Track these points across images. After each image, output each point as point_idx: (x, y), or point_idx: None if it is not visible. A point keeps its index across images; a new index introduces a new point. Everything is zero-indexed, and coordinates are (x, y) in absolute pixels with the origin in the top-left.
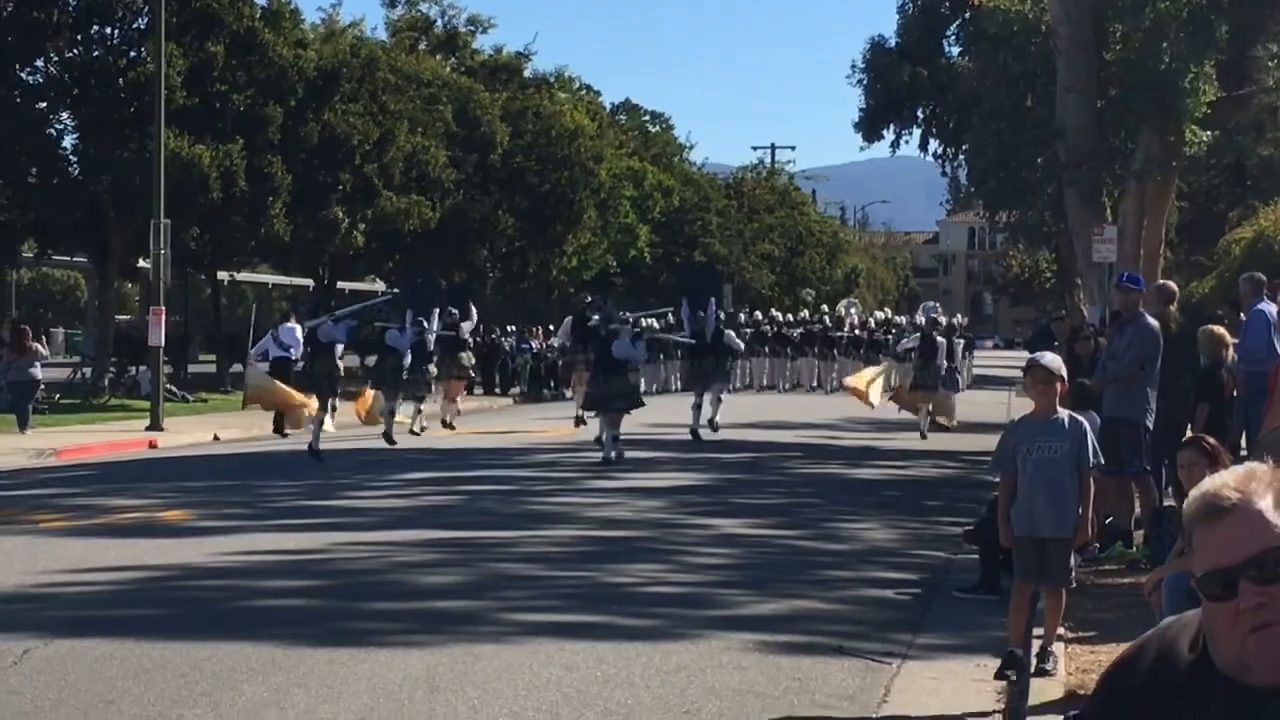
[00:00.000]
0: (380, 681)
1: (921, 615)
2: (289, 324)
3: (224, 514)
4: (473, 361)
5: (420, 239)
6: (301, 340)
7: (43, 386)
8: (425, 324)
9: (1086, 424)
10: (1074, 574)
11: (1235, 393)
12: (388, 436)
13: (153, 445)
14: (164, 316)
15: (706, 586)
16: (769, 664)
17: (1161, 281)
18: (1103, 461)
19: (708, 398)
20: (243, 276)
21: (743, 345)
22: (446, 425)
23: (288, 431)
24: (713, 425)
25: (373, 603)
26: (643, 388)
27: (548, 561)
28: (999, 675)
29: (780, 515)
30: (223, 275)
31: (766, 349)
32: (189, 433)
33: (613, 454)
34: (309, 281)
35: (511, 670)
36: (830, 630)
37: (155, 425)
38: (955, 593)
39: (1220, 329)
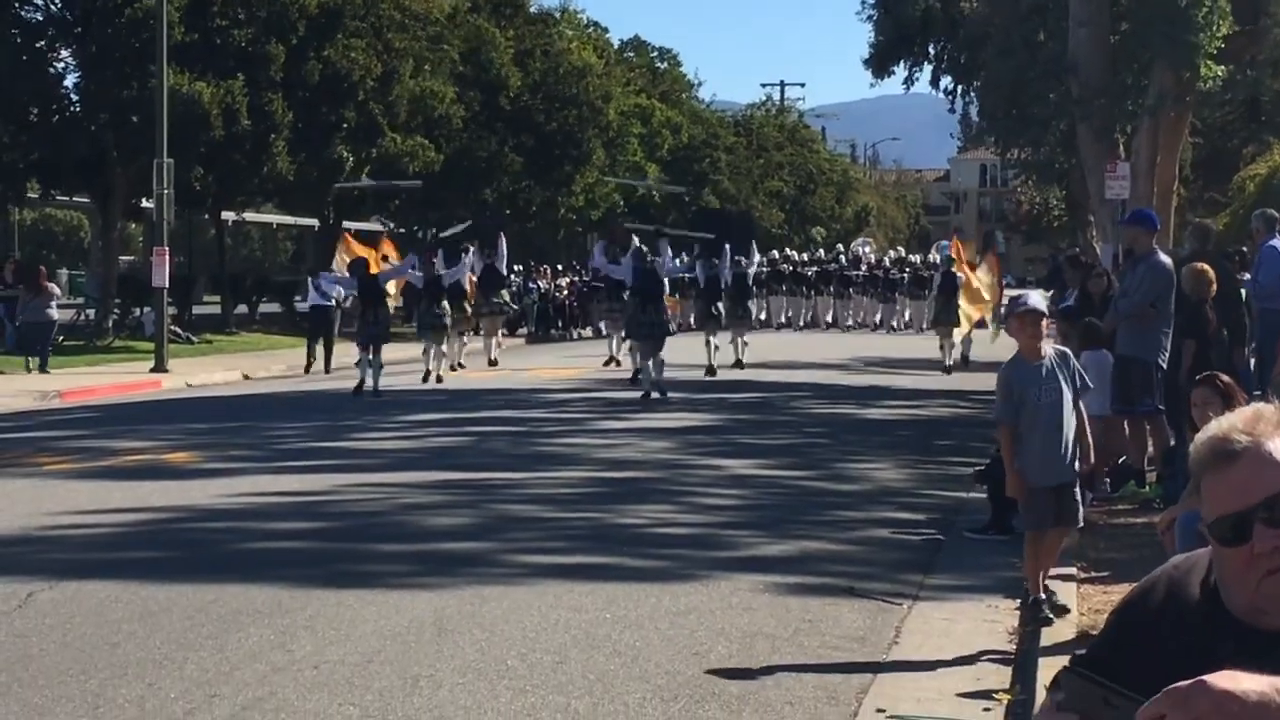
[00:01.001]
0: (387, 624)
1: (932, 556)
2: (330, 272)
3: (230, 455)
4: (505, 299)
5: (426, 179)
6: (343, 286)
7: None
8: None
9: (1069, 352)
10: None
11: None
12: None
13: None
14: (168, 257)
15: (715, 528)
16: (779, 605)
17: (1199, 220)
18: (1092, 389)
19: (737, 338)
20: (248, 216)
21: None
22: (491, 363)
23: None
24: (739, 365)
25: (380, 545)
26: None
27: (556, 503)
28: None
29: (790, 455)
30: (227, 215)
31: (784, 288)
32: (194, 374)
33: (654, 393)
34: (314, 221)
35: (519, 612)
36: (840, 571)
37: (160, 367)
38: (966, 533)
39: (1203, 266)
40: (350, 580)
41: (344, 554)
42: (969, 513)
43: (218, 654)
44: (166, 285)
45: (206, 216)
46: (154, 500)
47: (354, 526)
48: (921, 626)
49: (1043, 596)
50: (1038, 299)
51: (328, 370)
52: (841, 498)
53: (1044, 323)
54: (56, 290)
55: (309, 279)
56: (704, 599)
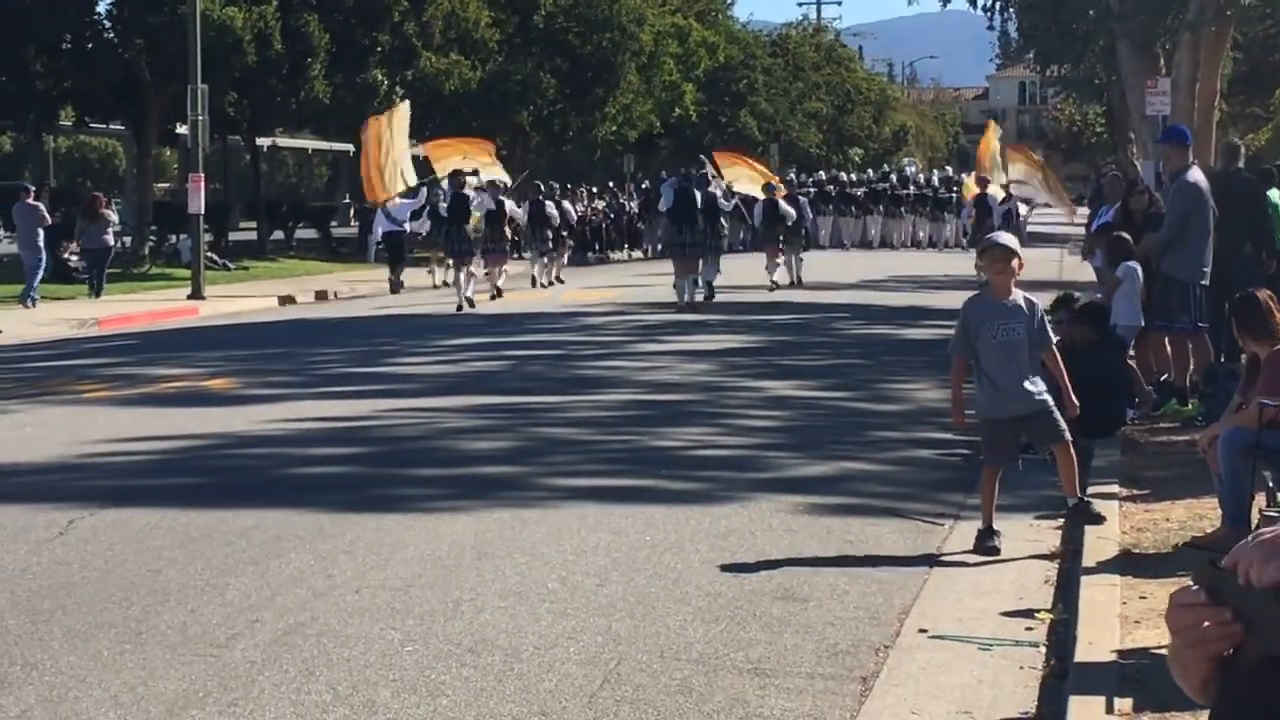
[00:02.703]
0: (427, 548)
1: (974, 476)
2: (398, 201)
3: (268, 382)
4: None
5: (462, 100)
6: (411, 214)
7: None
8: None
9: (1039, 306)
10: (1066, 431)
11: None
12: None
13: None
14: (203, 184)
15: (755, 449)
16: (819, 526)
17: (1228, 140)
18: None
19: (785, 259)
20: (283, 142)
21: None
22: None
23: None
24: (775, 285)
25: (418, 469)
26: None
27: (594, 426)
28: (977, 549)
29: (829, 377)
30: (262, 141)
31: (831, 208)
32: (231, 301)
33: (689, 298)
34: (349, 146)
35: (559, 535)
36: (881, 492)
37: (197, 294)
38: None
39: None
40: (390, 505)
41: (383, 479)
42: None
43: (259, 579)
44: (202, 212)
45: (241, 142)
46: (193, 427)
47: (393, 451)
48: (963, 546)
49: (993, 529)
50: (1008, 237)
51: (396, 290)
52: (882, 418)
53: (1014, 261)
54: (114, 217)
55: (380, 210)
56: (744, 521)
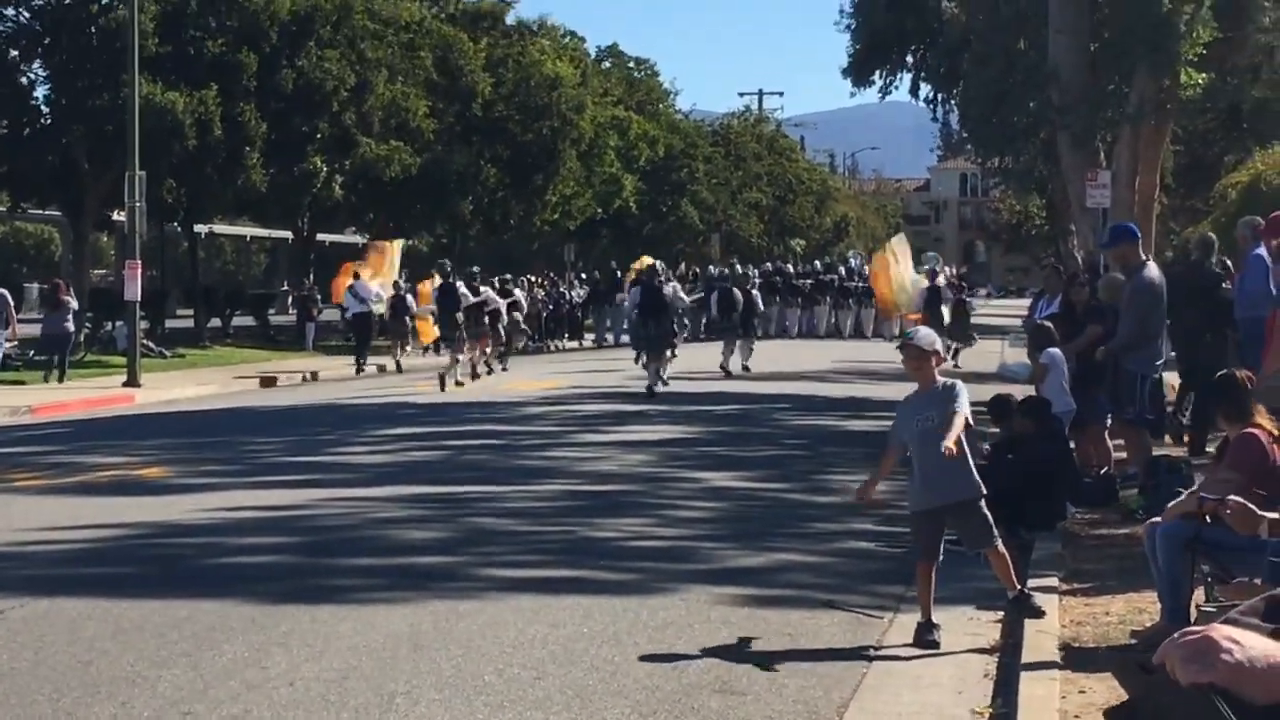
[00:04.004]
0: (363, 640)
1: (912, 568)
2: (361, 281)
3: (203, 470)
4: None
5: (401, 189)
6: (378, 295)
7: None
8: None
9: (958, 387)
10: (995, 531)
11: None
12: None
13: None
14: (140, 270)
15: (694, 540)
16: (758, 619)
17: (1204, 234)
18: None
19: (739, 346)
20: (221, 229)
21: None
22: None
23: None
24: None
25: (355, 559)
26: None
27: (532, 516)
28: (916, 642)
29: (769, 468)
30: (200, 228)
31: (778, 299)
32: (167, 389)
33: (657, 385)
34: (288, 234)
35: (496, 627)
36: (820, 584)
37: (132, 381)
38: (946, 544)
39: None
40: (325, 595)
41: (319, 569)
42: None
43: (192, 671)
44: (139, 299)
45: (179, 229)
46: (127, 516)
47: (328, 541)
48: (902, 639)
49: (931, 622)
50: (925, 334)
51: (360, 372)
52: (821, 510)
53: (931, 360)
54: (74, 304)
55: (348, 291)
56: (682, 613)
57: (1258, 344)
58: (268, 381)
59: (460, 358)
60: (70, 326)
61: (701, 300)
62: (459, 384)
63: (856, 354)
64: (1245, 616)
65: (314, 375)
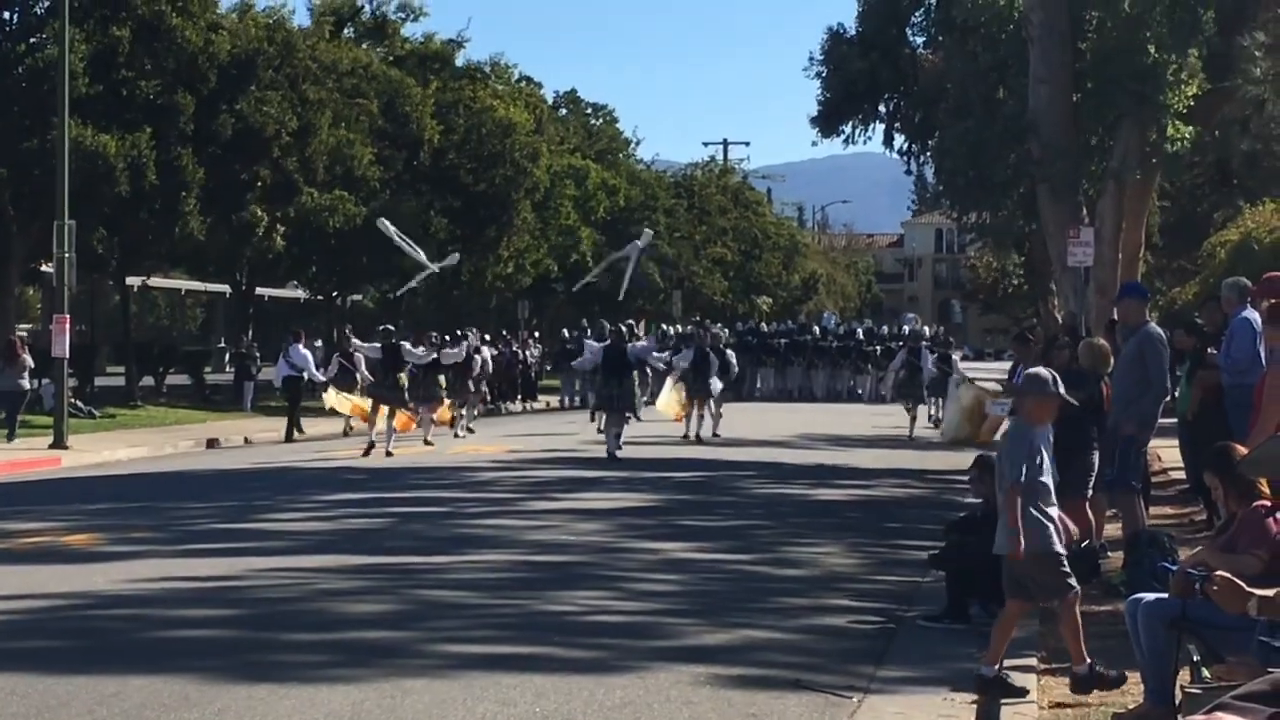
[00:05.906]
0: (304, 718)
1: (884, 646)
2: (297, 345)
3: (133, 538)
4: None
5: (345, 240)
6: (312, 360)
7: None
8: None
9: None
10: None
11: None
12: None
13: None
14: (69, 325)
15: (652, 615)
16: (720, 699)
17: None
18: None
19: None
20: (155, 282)
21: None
22: (427, 443)
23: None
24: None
25: (293, 633)
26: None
27: (481, 589)
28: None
29: (732, 539)
30: (133, 281)
31: (749, 358)
32: (96, 451)
33: (616, 451)
34: (225, 287)
35: (443, 706)
36: (787, 662)
37: (59, 443)
38: (920, 621)
39: (1101, 342)
40: (262, 672)
41: (255, 643)
42: (923, 600)
43: None
44: (67, 355)
45: (110, 282)
46: (51, 586)
47: (266, 614)
48: (873, 719)
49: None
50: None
51: (290, 438)
52: (787, 583)
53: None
54: (30, 361)
55: (280, 355)
56: (640, 692)
57: (1243, 412)
58: (213, 443)
59: (433, 418)
60: (25, 384)
61: (669, 360)
62: (428, 444)
63: (827, 417)
64: (1242, 702)
65: (246, 440)
